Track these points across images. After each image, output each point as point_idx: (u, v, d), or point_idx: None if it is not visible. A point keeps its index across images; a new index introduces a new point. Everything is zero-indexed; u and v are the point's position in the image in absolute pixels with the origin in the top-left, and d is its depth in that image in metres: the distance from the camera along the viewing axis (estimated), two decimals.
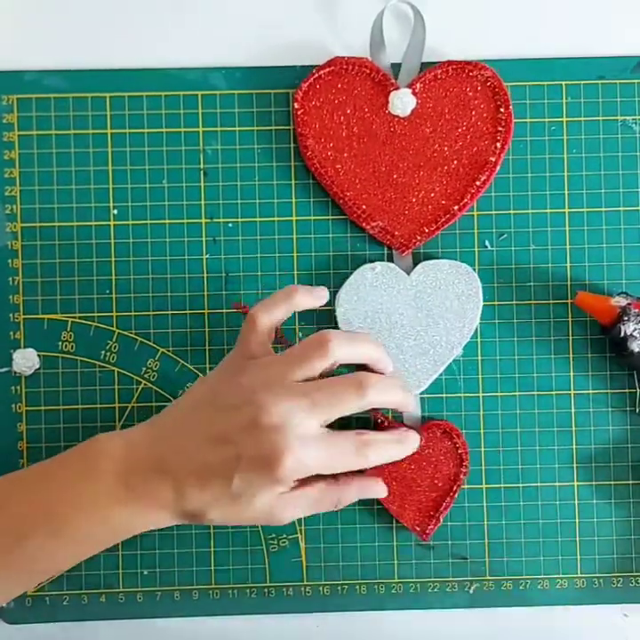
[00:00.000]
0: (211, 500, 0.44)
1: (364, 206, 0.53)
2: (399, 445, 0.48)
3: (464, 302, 0.52)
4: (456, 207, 0.53)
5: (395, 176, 0.53)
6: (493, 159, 0.52)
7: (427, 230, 0.53)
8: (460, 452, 0.52)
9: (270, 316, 0.47)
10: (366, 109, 0.53)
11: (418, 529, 0.52)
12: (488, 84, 0.52)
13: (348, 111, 0.53)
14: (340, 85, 0.52)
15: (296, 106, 0.52)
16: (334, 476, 0.47)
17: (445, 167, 0.53)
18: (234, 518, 0.45)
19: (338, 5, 0.54)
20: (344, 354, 0.45)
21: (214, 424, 0.44)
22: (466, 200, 0.52)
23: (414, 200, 0.53)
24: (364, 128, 0.53)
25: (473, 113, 0.53)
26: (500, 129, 0.52)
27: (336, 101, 0.53)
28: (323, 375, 0.46)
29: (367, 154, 0.53)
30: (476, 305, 0.52)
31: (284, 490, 0.44)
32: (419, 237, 0.53)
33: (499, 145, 0.52)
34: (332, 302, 0.52)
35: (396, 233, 0.53)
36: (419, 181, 0.53)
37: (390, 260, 0.53)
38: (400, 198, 0.53)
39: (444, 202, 0.53)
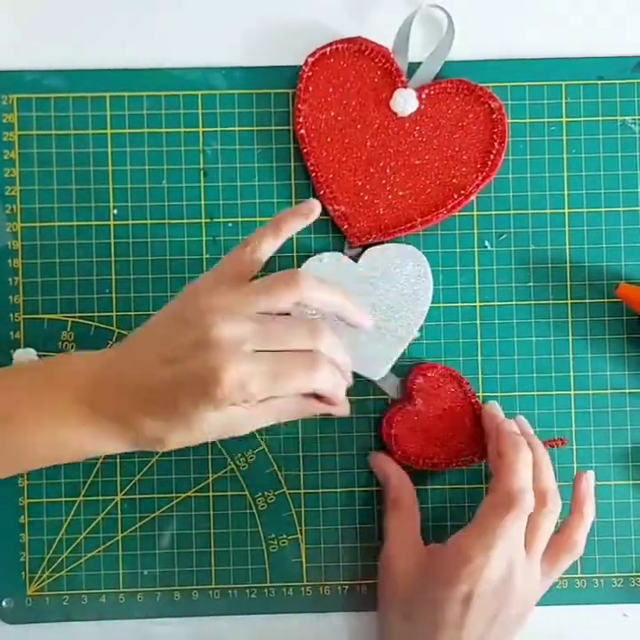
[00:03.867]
0: (163, 423, 0.42)
1: (333, 186, 0.52)
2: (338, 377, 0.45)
3: (414, 284, 0.52)
4: (419, 219, 0.52)
5: (372, 169, 0.52)
6: (470, 189, 0.52)
7: (384, 231, 0.52)
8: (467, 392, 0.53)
9: (254, 250, 0.46)
10: (369, 96, 0.52)
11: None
12: (493, 115, 0.52)
13: (352, 91, 0.52)
14: (352, 62, 0.52)
15: (305, 69, 0.52)
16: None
17: (422, 179, 0.52)
18: (190, 440, 0.43)
19: (337, 4, 0.54)
20: (313, 293, 0.44)
21: (167, 342, 0.43)
22: (429, 217, 0.52)
23: (381, 199, 0.53)
24: (361, 114, 0.52)
25: (467, 137, 0.52)
26: (488, 162, 0.52)
27: (341, 78, 0.52)
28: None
29: (354, 138, 0.53)
30: (426, 286, 0.52)
31: (231, 407, 0.42)
32: (374, 235, 0.52)
33: (480, 177, 0.52)
34: None
35: (355, 224, 0.52)
36: (392, 183, 0.52)
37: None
38: (369, 192, 0.53)
39: (409, 211, 0.52)
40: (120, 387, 0.43)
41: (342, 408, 0.47)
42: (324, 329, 0.44)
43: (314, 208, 0.47)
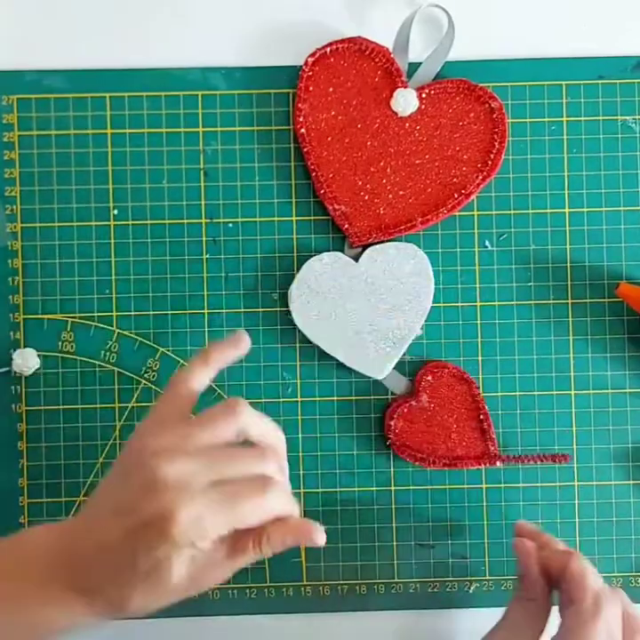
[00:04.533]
0: (124, 584, 0.40)
1: (334, 186, 0.52)
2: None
3: (414, 282, 0.52)
4: (419, 219, 0.52)
5: (372, 169, 0.52)
6: (470, 188, 0.52)
7: (384, 231, 0.52)
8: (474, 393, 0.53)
9: (188, 382, 0.44)
10: (369, 96, 0.52)
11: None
12: (493, 115, 0.52)
13: (352, 91, 0.52)
14: (352, 62, 0.52)
15: (305, 68, 0.52)
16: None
17: (423, 179, 0.52)
18: (157, 601, 0.40)
19: (337, 4, 0.54)
20: (251, 422, 0.42)
21: (118, 495, 0.41)
22: (430, 217, 0.52)
23: (382, 199, 0.53)
24: (361, 114, 0.52)
25: (467, 137, 0.52)
26: (488, 161, 0.52)
27: (341, 78, 0.52)
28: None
29: (355, 138, 0.52)
30: (427, 283, 0.52)
31: (190, 553, 0.39)
32: (374, 235, 0.52)
33: (480, 177, 0.52)
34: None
35: (356, 223, 0.52)
36: (393, 183, 0.52)
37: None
38: (370, 192, 0.53)
39: (409, 210, 0.52)
40: (82, 557, 0.41)
41: (315, 533, 0.42)
42: (268, 454, 0.42)
43: (243, 339, 0.45)
